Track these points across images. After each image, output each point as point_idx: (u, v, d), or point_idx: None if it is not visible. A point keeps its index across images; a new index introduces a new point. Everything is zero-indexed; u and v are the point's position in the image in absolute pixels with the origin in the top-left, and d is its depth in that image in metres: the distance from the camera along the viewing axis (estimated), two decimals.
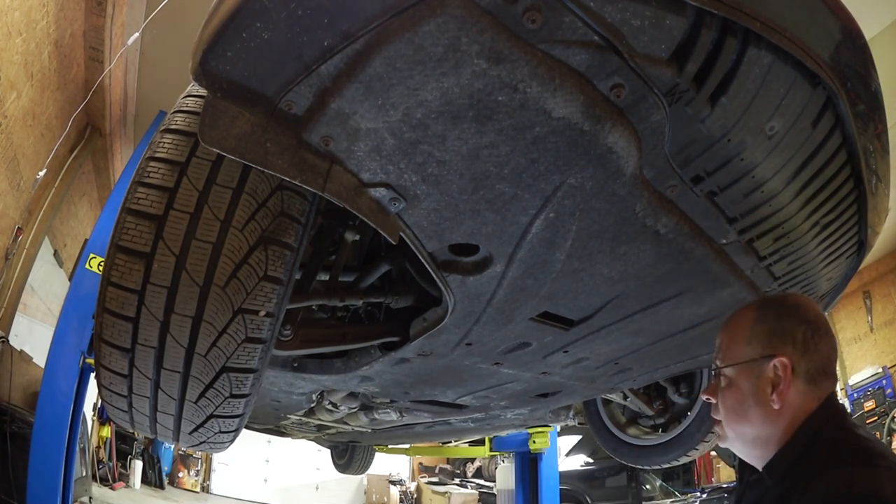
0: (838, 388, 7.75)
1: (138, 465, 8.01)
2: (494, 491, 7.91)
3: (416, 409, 2.20)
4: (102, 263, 1.05)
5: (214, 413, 1.17)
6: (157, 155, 1.00)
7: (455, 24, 0.63)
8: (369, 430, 2.74)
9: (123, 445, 7.92)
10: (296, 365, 1.58)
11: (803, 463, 0.87)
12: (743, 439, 0.99)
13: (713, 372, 1.04)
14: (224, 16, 0.69)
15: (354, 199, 0.85)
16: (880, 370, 6.97)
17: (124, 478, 7.71)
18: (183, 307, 0.99)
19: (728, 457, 7.17)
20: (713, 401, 1.03)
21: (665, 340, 1.48)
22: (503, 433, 4.02)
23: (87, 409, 5.33)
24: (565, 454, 7.89)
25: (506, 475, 4.95)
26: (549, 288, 1.15)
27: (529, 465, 4.37)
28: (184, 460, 9.47)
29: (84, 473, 5.57)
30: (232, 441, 1.35)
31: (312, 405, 2.18)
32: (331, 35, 0.67)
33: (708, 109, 0.79)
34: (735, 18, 0.70)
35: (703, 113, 0.80)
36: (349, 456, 5.42)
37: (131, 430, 2.03)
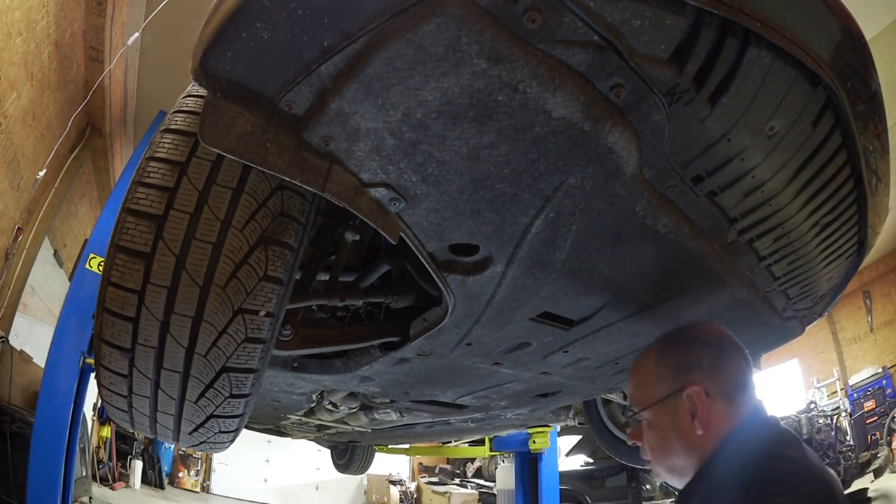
0: (838, 387, 7.76)
1: (138, 465, 8.01)
2: (494, 491, 7.91)
3: (416, 409, 2.20)
4: (102, 263, 1.05)
5: (214, 413, 1.17)
6: (157, 155, 1.00)
7: (455, 24, 0.63)
8: (369, 430, 2.74)
9: (123, 445, 7.93)
10: (296, 365, 1.58)
11: (717, 488, 0.87)
12: (674, 471, 1.00)
13: (633, 417, 1.06)
14: (224, 16, 0.69)
15: (354, 199, 0.85)
16: (880, 370, 6.97)
17: (124, 478, 7.71)
18: (183, 307, 0.99)
19: None
20: (640, 444, 1.05)
21: None
22: (503, 433, 4.02)
23: (87, 409, 5.33)
24: (565, 454, 7.89)
25: (506, 475, 4.95)
26: (549, 288, 1.15)
27: (529, 465, 4.37)
28: (184, 460, 9.47)
29: (84, 473, 5.57)
30: (232, 441, 1.35)
31: (312, 405, 2.18)
32: (331, 35, 0.67)
33: (708, 109, 0.79)
34: (735, 18, 0.70)
35: (703, 113, 0.80)
36: (349, 456, 5.41)
37: (131, 430, 2.03)
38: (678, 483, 1.02)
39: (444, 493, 9.89)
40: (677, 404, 0.97)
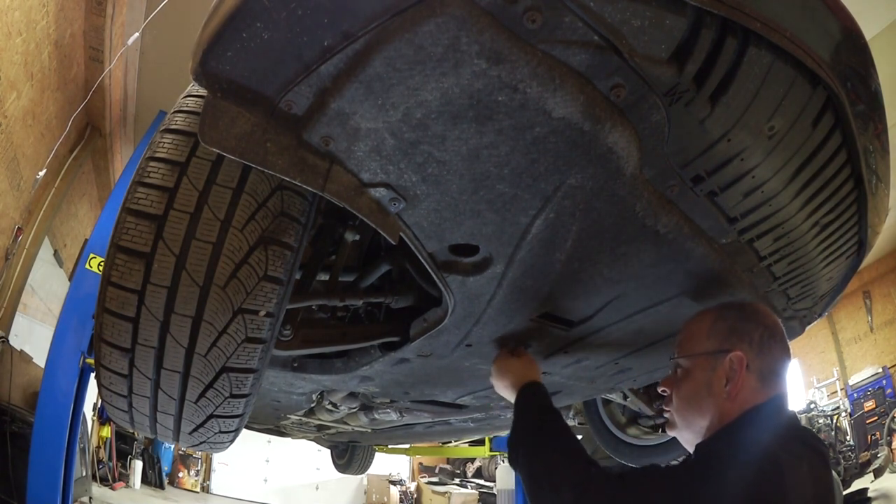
0: (838, 387, 7.73)
1: (138, 465, 8.01)
2: (494, 491, 7.92)
3: (416, 409, 2.20)
4: (102, 263, 1.05)
5: (214, 413, 1.17)
6: (157, 155, 1.00)
7: (455, 24, 0.63)
8: (369, 430, 2.74)
9: (123, 445, 7.92)
10: (296, 365, 1.58)
11: (728, 454, 0.91)
12: (692, 428, 1.04)
13: (673, 361, 1.10)
14: (224, 16, 0.69)
15: (354, 199, 0.85)
16: (880, 370, 6.96)
17: (124, 478, 7.71)
18: (183, 307, 0.99)
19: None
20: (668, 392, 1.09)
21: (665, 340, 1.48)
22: (503, 433, 4.02)
23: (87, 409, 5.33)
24: None
25: (506, 475, 4.96)
26: (549, 289, 1.15)
27: None
28: (184, 460, 9.47)
29: (84, 473, 5.57)
30: (232, 441, 1.35)
31: (312, 405, 2.18)
32: (331, 35, 0.67)
33: (708, 109, 0.79)
34: (735, 18, 0.70)
35: (703, 113, 0.80)
36: (349, 456, 5.42)
37: (131, 430, 2.04)
38: (687, 440, 1.06)
39: (444, 493, 9.89)
40: (718, 363, 1.00)
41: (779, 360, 1.01)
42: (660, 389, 1.12)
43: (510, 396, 1.29)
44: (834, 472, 5.92)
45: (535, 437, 1.14)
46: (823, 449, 0.97)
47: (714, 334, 1.03)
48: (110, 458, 7.37)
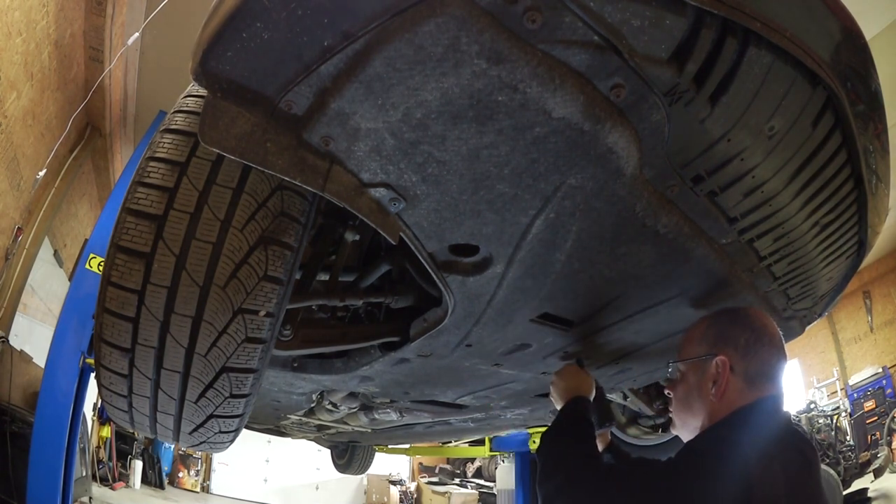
0: (838, 387, 7.72)
1: (138, 465, 8.01)
2: (494, 491, 7.92)
3: (416, 409, 2.20)
4: (102, 263, 1.05)
5: (214, 413, 1.17)
6: (157, 155, 1.00)
7: (455, 25, 0.63)
8: (369, 430, 2.74)
9: (123, 445, 7.93)
10: (296, 365, 1.58)
11: (703, 453, 0.96)
12: (687, 428, 1.13)
13: (671, 364, 1.18)
14: (224, 16, 0.69)
15: (354, 199, 0.85)
16: (880, 370, 6.96)
17: (124, 478, 7.71)
18: (183, 307, 0.98)
19: None
20: (671, 394, 1.17)
21: (665, 340, 1.48)
22: (503, 433, 4.02)
23: (87, 409, 5.33)
24: None
25: (506, 475, 4.96)
26: (549, 289, 1.15)
27: (529, 465, 4.37)
28: (184, 460, 9.47)
29: (84, 473, 5.57)
30: (232, 441, 1.35)
31: (312, 405, 2.18)
32: (331, 35, 0.67)
33: (708, 109, 0.79)
34: (735, 18, 0.70)
35: (704, 113, 0.80)
36: (349, 456, 5.42)
37: (131, 430, 2.03)
38: (686, 438, 1.13)
39: (444, 493, 9.90)
40: (706, 367, 1.08)
41: (767, 362, 1.05)
42: (666, 392, 1.20)
43: (561, 401, 1.38)
44: (833, 472, 5.92)
45: (561, 435, 1.25)
46: (811, 453, 0.99)
47: (704, 340, 1.10)
48: (110, 458, 7.37)
